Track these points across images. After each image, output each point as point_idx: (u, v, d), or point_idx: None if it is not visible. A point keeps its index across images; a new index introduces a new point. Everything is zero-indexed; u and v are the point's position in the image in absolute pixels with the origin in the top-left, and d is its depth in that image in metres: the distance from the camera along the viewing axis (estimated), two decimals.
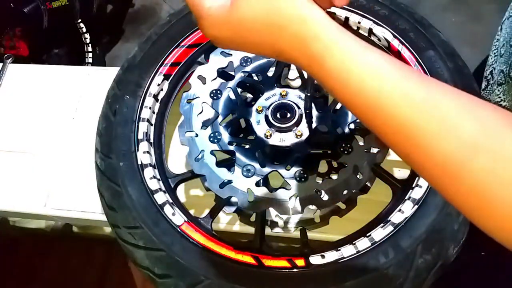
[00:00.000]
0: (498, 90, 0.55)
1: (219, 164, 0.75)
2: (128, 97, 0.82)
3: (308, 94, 0.73)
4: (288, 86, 0.82)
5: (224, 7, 0.40)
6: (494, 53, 0.58)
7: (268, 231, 0.80)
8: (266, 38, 0.40)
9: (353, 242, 0.68)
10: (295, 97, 0.79)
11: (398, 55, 0.80)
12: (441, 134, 0.34)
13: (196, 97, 0.80)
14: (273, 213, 0.83)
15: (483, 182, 0.33)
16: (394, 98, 0.36)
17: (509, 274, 0.67)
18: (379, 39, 0.82)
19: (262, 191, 0.73)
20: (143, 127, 0.80)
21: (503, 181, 0.32)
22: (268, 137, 0.76)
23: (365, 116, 0.39)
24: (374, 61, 0.37)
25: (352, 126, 0.77)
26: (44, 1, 1.59)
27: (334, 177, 0.73)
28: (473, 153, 0.33)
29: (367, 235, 0.69)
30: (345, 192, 0.72)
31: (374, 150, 0.74)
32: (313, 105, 0.77)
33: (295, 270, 0.67)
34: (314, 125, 0.77)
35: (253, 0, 0.39)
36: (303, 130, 0.76)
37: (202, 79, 0.81)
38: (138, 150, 0.77)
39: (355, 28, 0.84)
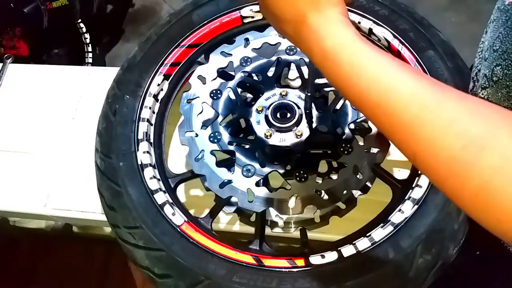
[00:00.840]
0: (482, 94, 0.55)
1: (219, 164, 0.75)
2: (128, 97, 0.82)
3: (308, 94, 0.73)
4: (288, 86, 0.82)
5: None
6: (479, 55, 0.58)
7: (268, 231, 0.80)
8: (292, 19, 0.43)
9: (353, 242, 0.68)
10: (295, 97, 0.79)
11: (398, 55, 0.80)
12: (448, 133, 0.34)
13: (196, 97, 0.80)
14: (273, 213, 0.83)
15: (492, 181, 0.32)
16: (404, 97, 0.37)
17: (505, 274, 0.67)
18: (379, 39, 0.82)
19: (262, 191, 0.73)
20: (143, 127, 0.80)
21: None
22: (268, 137, 0.76)
23: (373, 113, 0.40)
24: (387, 62, 0.39)
25: (352, 126, 0.77)
26: (44, 1, 1.59)
27: (334, 177, 0.73)
28: (481, 151, 0.33)
29: (367, 235, 0.69)
30: (345, 192, 0.72)
31: (374, 150, 0.74)
32: (313, 105, 0.77)
33: (295, 270, 0.67)
34: (314, 125, 0.77)
35: None
36: (303, 130, 0.76)
37: (202, 79, 0.81)
38: (138, 150, 0.77)
39: None
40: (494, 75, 0.51)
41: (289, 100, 0.78)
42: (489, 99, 0.54)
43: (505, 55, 0.49)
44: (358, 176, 0.72)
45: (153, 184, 0.75)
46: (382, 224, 0.69)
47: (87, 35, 1.78)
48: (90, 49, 1.80)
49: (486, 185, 0.33)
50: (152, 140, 0.81)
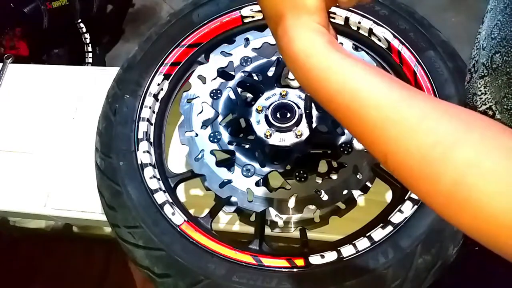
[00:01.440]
0: (479, 83, 0.55)
1: (219, 163, 0.75)
2: (128, 96, 0.82)
3: (308, 94, 0.73)
4: (288, 86, 0.82)
5: None
6: (476, 46, 0.58)
7: (268, 231, 0.80)
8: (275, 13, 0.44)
9: (353, 242, 0.68)
10: (295, 97, 0.79)
11: (398, 55, 0.80)
12: (418, 131, 0.34)
13: (196, 97, 0.80)
14: (273, 213, 0.83)
15: (465, 177, 0.31)
16: (372, 99, 0.37)
17: (504, 268, 0.66)
18: (379, 39, 0.82)
19: (262, 191, 0.73)
20: (143, 126, 0.80)
21: (488, 172, 0.31)
22: (268, 137, 0.76)
23: (343, 116, 0.40)
24: (356, 66, 0.39)
25: None
26: (44, 1, 1.59)
27: (334, 177, 0.73)
28: (452, 147, 0.32)
29: (367, 235, 0.69)
30: (345, 192, 0.72)
31: None
32: (313, 105, 0.77)
33: (294, 270, 0.67)
34: (314, 125, 0.77)
35: None
36: (303, 130, 0.76)
37: (202, 78, 0.81)
38: (138, 149, 0.77)
39: (355, 28, 0.84)
40: (493, 63, 0.51)
41: (289, 100, 0.78)
42: (487, 87, 0.53)
43: (504, 42, 0.48)
44: (358, 176, 0.72)
45: (153, 184, 0.75)
46: (382, 224, 0.70)
47: (87, 35, 1.78)
48: (90, 49, 1.80)
49: (459, 182, 0.32)
50: (152, 140, 0.81)
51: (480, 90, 0.55)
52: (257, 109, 0.78)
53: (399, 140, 0.35)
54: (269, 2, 0.44)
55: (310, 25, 0.42)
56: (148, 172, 0.76)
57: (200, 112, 0.78)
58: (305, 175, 0.73)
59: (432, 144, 0.33)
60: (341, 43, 0.80)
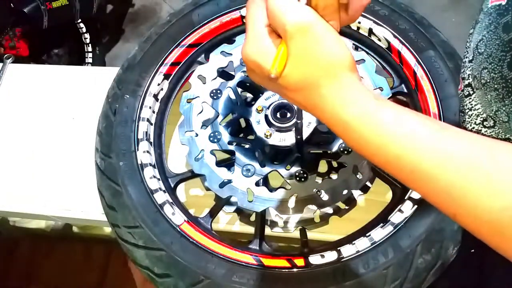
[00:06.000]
0: (470, 95, 0.54)
1: (219, 163, 0.75)
2: (128, 96, 0.82)
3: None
4: None
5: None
6: (465, 55, 0.57)
7: (268, 231, 0.80)
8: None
9: (353, 242, 0.68)
10: None
11: (398, 54, 0.80)
12: (485, 195, 0.35)
13: (196, 97, 0.80)
14: (273, 212, 0.83)
15: None
16: (435, 162, 0.37)
17: (499, 272, 0.66)
18: (379, 39, 0.82)
19: (261, 190, 0.73)
20: (143, 126, 0.80)
21: None
22: (268, 136, 0.76)
23: (406, 177, 0.39)
24: (412, 126, 0.38)
25: None
26: (44, 1, 1.59)
27: (334, 177, 0.73)
28: None
29: (367, 235, 0.69)
30: (345, 192, 0.72)
31: None
32: None
33: (294, 269, 0.67)
34: (314, 125, 0.77)
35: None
36: (303, 129, 0.76)
37: (202, 78, 0.81)
38: (138, 149, 0.77)
39: (355, 28, 0.84)
40: (482, 78, 0.50)
41: None
42: (478, 100, 0.53)
43: (490, 59, 0.48)
44: (358, 176, 0.72)
45: (153, 184, 0.75)
46: (382, 224, 0.70)
47: (87, 35, 1.78)
48: (90, 49, 1.80)
49: None
50: (152, 140, 0.81)
51: (471, 104, 0.54)
52: (257, 109, 0.78)
53: (465, 204, 0.36)
54: (294, 76, 0.40)
55: (353, 86, 0.39)
56: (148, 172, 0.76)
57: (200, 112, 0.78)
58: (305, 175, 0.72)
59: (499, 208, 0.34)
60: None
